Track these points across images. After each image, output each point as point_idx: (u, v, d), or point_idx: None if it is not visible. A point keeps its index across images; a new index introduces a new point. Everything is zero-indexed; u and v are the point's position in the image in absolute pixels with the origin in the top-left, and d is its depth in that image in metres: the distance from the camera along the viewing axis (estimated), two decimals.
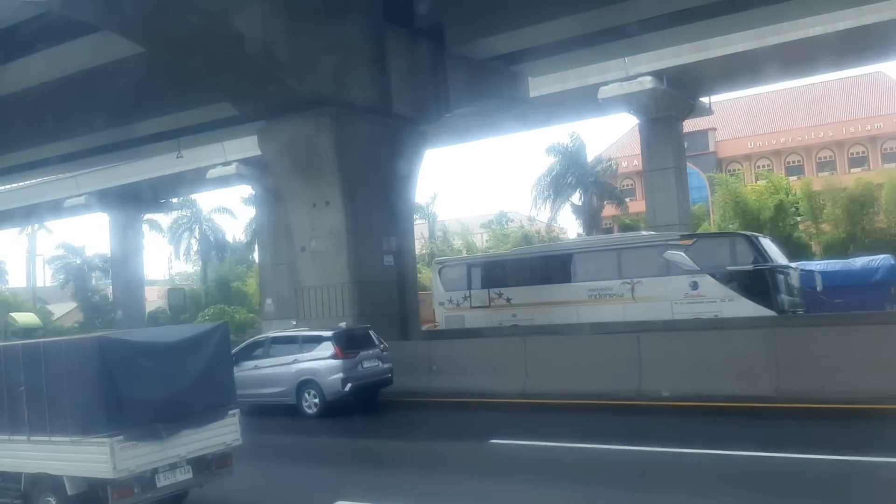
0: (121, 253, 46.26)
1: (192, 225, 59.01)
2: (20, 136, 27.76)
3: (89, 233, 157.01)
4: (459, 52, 18.61)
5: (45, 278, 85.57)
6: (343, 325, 16.65)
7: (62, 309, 62.13)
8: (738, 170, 58.07)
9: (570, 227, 57.92)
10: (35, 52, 20.70)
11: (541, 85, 23.06)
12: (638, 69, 25.94)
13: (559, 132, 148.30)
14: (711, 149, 58.43)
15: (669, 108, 27.63)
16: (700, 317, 20.88)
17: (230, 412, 9.43)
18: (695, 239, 23.30)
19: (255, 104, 16.54)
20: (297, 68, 15.26)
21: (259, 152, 35.61)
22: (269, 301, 38.32)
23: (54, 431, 8.66)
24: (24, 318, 39.67)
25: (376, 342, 15.89)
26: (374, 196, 17.07)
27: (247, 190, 52.99)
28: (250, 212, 55.01)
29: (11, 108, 23.99)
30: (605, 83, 26.32)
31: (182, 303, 29.51)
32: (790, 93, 58.80)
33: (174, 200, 51.19)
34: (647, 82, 25.72)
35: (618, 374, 14.20)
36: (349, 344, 15.33)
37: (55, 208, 46.64)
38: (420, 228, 52.80)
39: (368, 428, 14.25)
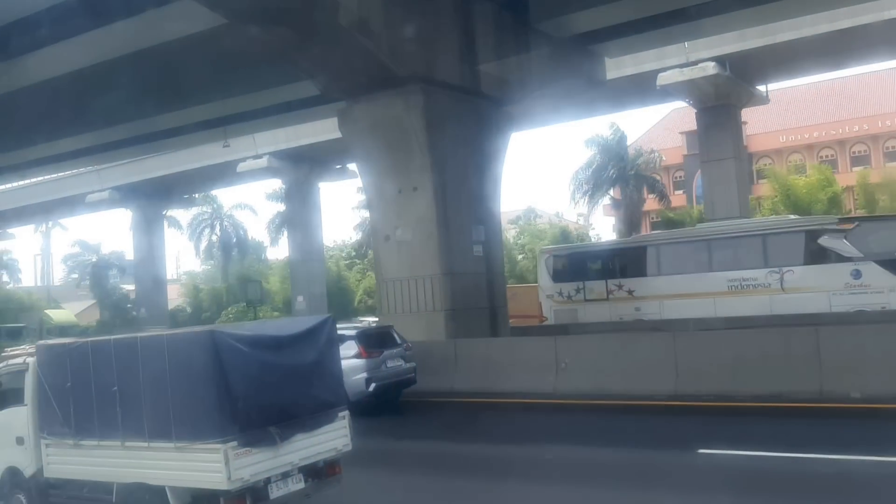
0: (144, 249, 45.65)
1: (212, 221, 58.28)
2: (42, 128, 27.08)
3: (105, 230, 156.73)
4: (542, 29, 17.65)
5: (55, 277, 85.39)
6: (373, 321, 16.02)
7: (76, 308, 61.58)
8: (770, 164, 57.04)
9: (600, 224, 56.98)
10: (62, 40, 19.95)
11: (610, 68, 22.03)
12: (699, 55, 25.01)
13: (595, 124, 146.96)
14: (742, 143, 57.61)
15: (729, 95, 26.72)
16: (864, 309, 19.06)
17: (340, 414, 8.63)
18: (856, 223, 21.51)
19: (340, 82, 15.65)
20: (389, 41, 14.42)
21: (291, 144, 35.78)
22: (300, 299, 37.60)
23: (155, 436, 7.87)
24: (60, 315, 39.01)
25: (399, 341, 15.52)
26: (464, 182, 16.18)
27: (271, 185, 52.49)
28: (273, 207, 54.45)
29: (32, 100, 23.21)
30: (664, 69, 25.37)
31: (259, 296, 28.46)
32: (821, 86, 57.78)
33: (197, 196, 50.50)
34: (710, 68, 24.78)
35: (793, 372, 12.91)
36: (373, 343, 14.99)
37: (76, 204, 46.12)
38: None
39: (479, 433, 13.05)
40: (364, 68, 14.85)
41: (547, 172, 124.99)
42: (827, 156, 57.22)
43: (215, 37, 17.15)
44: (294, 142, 34.90)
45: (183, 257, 64.55)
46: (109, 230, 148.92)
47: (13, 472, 9.30)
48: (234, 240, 58.54)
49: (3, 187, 47.86)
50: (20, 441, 9.16)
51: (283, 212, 51.93)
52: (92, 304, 67.84)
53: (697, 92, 26.03)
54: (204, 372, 7.50)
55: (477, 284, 16.19)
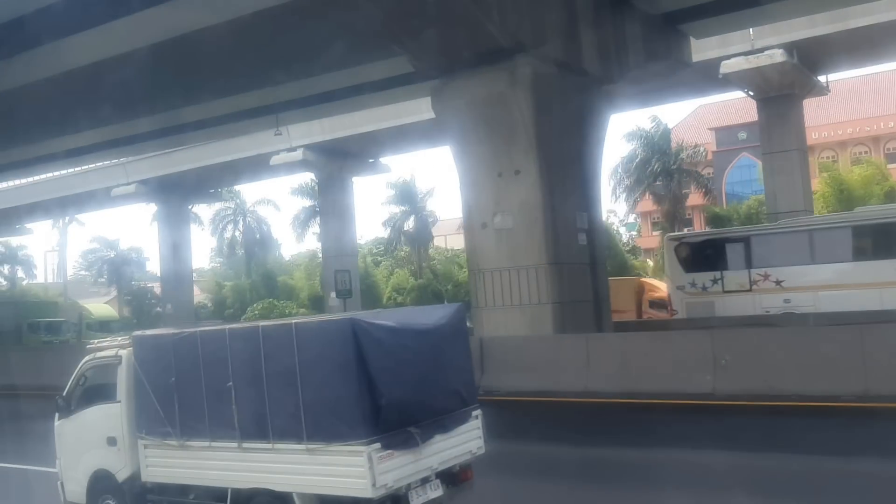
0: (169, 244, 45.00)
1: (235, 217, 57.69)
2: (66, 120, 26.32)
3: (122, 226, 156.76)
4: (636, 4, 16.72)
5: (58, 273, 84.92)
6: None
7: (92, 304, 61.04)
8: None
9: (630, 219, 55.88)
10: (98, 25, 19.18)
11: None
12: (764, 41, 24.09)
13: (630, 119, 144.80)
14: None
15: (793, 85, 25.79)
16: None
17: (474, 413, 7.85)
18: None
19: (439, 57, 14.76)
20: (499, 10, 13.53)
21: (326, 137, 35.03)
22: (333, 295, 36.70)
23: (281, 437, 7.12)
24: (100, 309, 38.36)
25: None
26: (568, 165, 15.27)
27: (297, 180, 51.82)
28: (297, 203, 53.83)
29: (55, 92, 22.43)
30: (727, 57, 24.46)
31: (349, 287, 27.55)
32: (854, 81, 56.82)
33: (223, 190, 49.85)
34: (778, 55, 23.86)
35: None
36: None
37: (101, 198, 45.48)
38: None
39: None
40: (469, 40, 13.96)
41: None
42: (862, 152, 56.25)
43: (262, 21, 16.47)
44: (329, 134, 34.16)
45: (195, 254, 63.46)
46: (127, 226, 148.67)
47: (103, 476, 8.56)
48: (258, 236, 57.88)
49: (22, 181, 47.37)
50: (112, 442, 8.41)
51: (315, 207, 51.38)
52: (110, 299, 67.42)
53: (761, 81, 25.11)
54: (343, 365, 6.73)
55: (582, 276, 15.28)
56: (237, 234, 58.01)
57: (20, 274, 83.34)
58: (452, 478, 7.54)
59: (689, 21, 18.43)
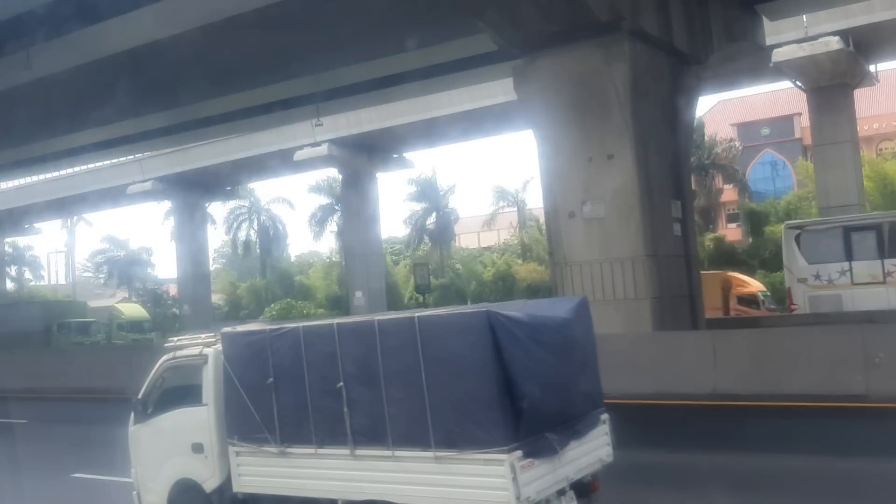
0: (186, 243, 44.47)
1: (250, 215, 57.13)
2: (82, 114, 25.66)
3: (131, 225, 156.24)
4: None
5: (66, 274, 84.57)
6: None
7: (123, 304, 60.51)
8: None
9: None
10: (119, 14, 18.58)
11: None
12: (818, 28, 23.38)
13: None
14: (797, 135, 55.82)
15: (845, 74, 25.09)
16: None
17: (602, 417, 7.24)
18: None
19: (527, 31, 14.04)
20: None
21: (352, 131, 34.43)
22: (358, 294, 36.27)
23: (403, 443, 6.51)
24: (131, 309, 37.75)
25: None
26: (661, 149, 14.52)
27: (314, 176, 51.27)
28: (314, 200, 53.28)
29: (81, 81, 21.77)
30: (777, 45, 23.75)
31: (427, 281, 26.79)
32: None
33: (240, 188, 49.24)
34: (833, 43, 23.15)
35: None
36: None
37: (117, 195, 44.95)
38: (508, 217, 50.58)
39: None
40: (562, 13, 13.22)
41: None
42: (885, 148, 55.49)
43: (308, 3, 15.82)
44: (356, 128, 33.59)
45: (230, 251, 62.79)
46: (136, 225, 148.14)
47: (187, 486, 7.94)
48: (272, 234, 57.35)
49: (32, 180, 46.89)
50: (198, 448, 7.80)
51: (334, 204, 50.87)
52: (119, 300, 66.94)
53: (814, 70, 24.41)
54: (478, 362, 6.10)
55: (678, 269, 14.57)
56: (252, 232, 57.39)
57: (27, 275, 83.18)
58: (584, 489, 6.92)
59: (765, 1, 17.70)
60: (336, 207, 52.57)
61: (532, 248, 42.69)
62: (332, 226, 52.52)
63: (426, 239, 49.93)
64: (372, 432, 6.66)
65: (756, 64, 23.91)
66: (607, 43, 13.42)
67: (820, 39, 23.35)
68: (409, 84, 22.07)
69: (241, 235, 57.76)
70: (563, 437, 6.49)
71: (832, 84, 25.17)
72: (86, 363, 21.95)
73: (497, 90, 28.17)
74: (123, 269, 69.80)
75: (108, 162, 42.66)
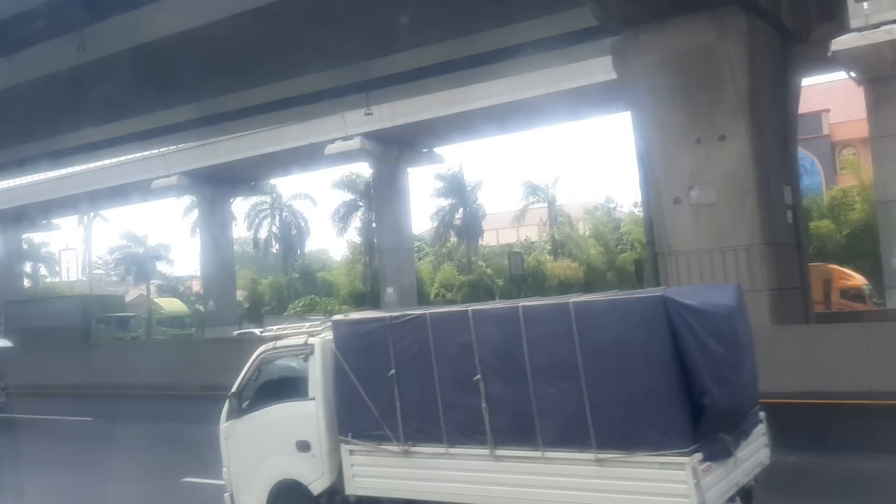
0: (211, 239, 43.87)
1: (272, 211, 56.61)
2: (105, 107, 25.06)
3: (146, 222, 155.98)
4: None
5: (76, 271, 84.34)
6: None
7: (163, 299, 60.03)
8: (855, 154, 54.30)
9: None
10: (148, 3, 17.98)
11: None
12: (881, 16, 22.54)
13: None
14: (825, 132, 54.89)
15: None
16: None
17: (760, 414, 6.59)
18: None
19: (630, 4, 13.27)
20: None
21: (386, 125, 33.78)
22: (389, 290, 35.66)
23: (555, 443, 5.90)
24: (170, 304, 37.22)
25: None
26: (774, 131, 13.75)
27: (338, 172, 50.62)
28: (338, 197, 52.67)
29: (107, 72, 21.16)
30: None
31: (521, 271, 26.08)
32: None
33: (263, 183, 48.67)
34: None
35: None
36: None
37: (140, 191, 44.45)
38: (538, 213, 49.87)
39: None
40: None
41: (612, 161, 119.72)
42: None
43: None
44: (389, 121, 32.90)
45: (251, 249, 62.28)
46: (154, 221, 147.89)
47: (290, 487, 7.34)
48: (295, 231, 56.83)
49: (52, 175, 46.39)
50: (303, 446, 7.19)
51: (357, 200, 50.32)
52: (135, 297, 66.54)
53: (874, 60, 23.49)
54: (653, 354, 5.49)
55: (791, 259, 13.82)
56: (273, 229, 56.88)
57: (42, 271, 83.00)
58: (747, 495, 6.28)
59: None
60: (360, 203, 52.01)
61: (565, 244, 41.97)
62: (356, 222, 51.87)
63: (452, 235, 49.26)
64: (516, 430, 6.05)
65: (810, 54, 23.09)
66: (721, 15, 12.65)
67: (882, 28, 22.54)
68: (451, 74, 21.20)
69: (263, 232, 57.15)
70: (735, 437, 5.86)
71: (891, 74, 24.32)
72: (136, 358, 21.39)
73: (537, 81, 27.68)
74: (141, 266, 69.51)
75: (132, 156, 42.19)
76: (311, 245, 62.97)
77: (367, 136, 34.34)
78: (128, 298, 66.54)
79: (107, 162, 43.19)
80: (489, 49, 18.08)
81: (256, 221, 57.24)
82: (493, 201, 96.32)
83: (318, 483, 7.13)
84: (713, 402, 5.42)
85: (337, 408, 7.05)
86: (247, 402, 7.74)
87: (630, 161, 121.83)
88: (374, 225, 44.78)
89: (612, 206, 54.75)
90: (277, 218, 57.19)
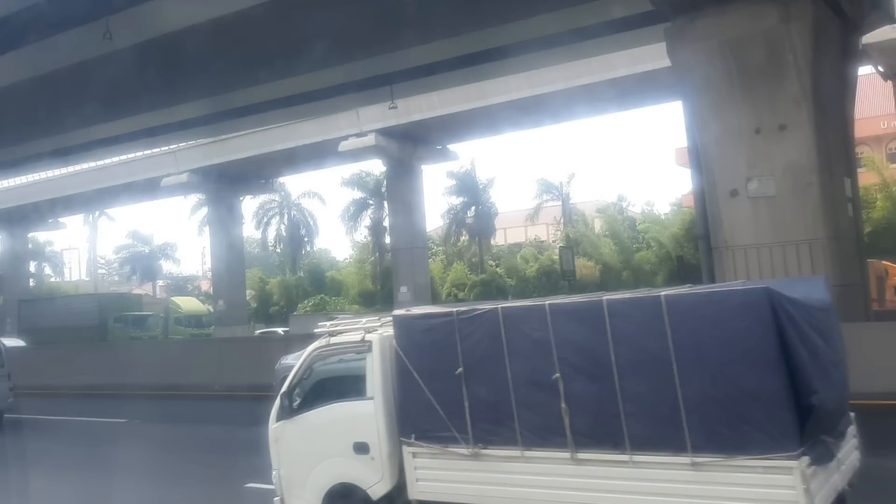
0: (221, 238, 43.51)
1: (281, 210, 56.30)
2: (112, 103, 24.65)
3: (153, 220, 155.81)
4: None
5: (78, 270, 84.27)
6: (328, 323, 15.50)
7: (181, 298, 59.69)
8: (865, 153, 53.70)
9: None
10: None
11: None
12: None
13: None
14: None
15: None
16: None
17: (851, 415, 6.25)
18: None
19: None
20: None
21: (401, 120, 33.41)
22: (403, 289, 35.25)
23: (645, 446, 5.57)
24: (188, 303, 36.79)
25: None
26: (835, 121, 13.33)
27: (348, 170, 50.32)
28: (347, 195, 52.39)
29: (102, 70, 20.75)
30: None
31: (572, 266, 25.64)
32: None
33: (273, 181, 48.28)
34: None
35: None
36: None
37: (149, 188, 44.13)
38: (552, 211, 49.50)
39: None
40: None
41: (621, 159, 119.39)
42: None
43: None
44: (405, 117, 32.50)
45: (259, 248, 61.93)
46: (160, 220, 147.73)
47: (346, 491, 7.02)
48: (304, 230, 56.53)
49: (58, 172, 46.07)
50: (361, 448, 6.86)
51: (367, 199, 50.07)
52: (143, 296, 66.25)
53: None
54: (757, 351, 5.17)
55: (852, 254, 13.43)
56: (282, 228, 56.58)
57: (47, 271, 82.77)
58: (842, 500, 5.93)
59: None
60: (370, 202, 51.75)
61: (579, 243, 41.58)
62: (366, 221, 51.61)
63: (464, 234, 48.89)
64: (600, 432, 5.72)
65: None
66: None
67: None
68: (479, 66, 20.74)
69: (271, 231, 56.88)
70: (836, 439, 5.53)
71: None
72: (157, 358, 21.08)
73: (556, 75, 27.35)
74: (147, 265, 69.31)
75: (140, 153, 41.86)
76: (319, 245, 62.77)
77: (382, 132, 33.97)
78: None
79: (115, 159, 42.95)
80: (528, 38, 17.60)
81: (265, 220, 56.93)
82: (502, 199, 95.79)
83: (377, 487, 6.80)
84: (821, 402, 5.08)
85: (398, 408, 6.73)
86: (298, 402, 7.42)
87: (642, 158, 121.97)
88: (384, 224, 44.49)
89: (624, 204, 54.41)
90: (286, 217, 56.87)
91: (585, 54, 22.60)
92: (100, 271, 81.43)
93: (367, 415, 6.85)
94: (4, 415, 16.82)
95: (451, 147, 39.13)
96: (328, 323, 7.53)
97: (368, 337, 6.98)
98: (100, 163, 43.23)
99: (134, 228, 75.35)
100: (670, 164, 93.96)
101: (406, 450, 6.64)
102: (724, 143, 12.81)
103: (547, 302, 6.06)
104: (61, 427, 15.26)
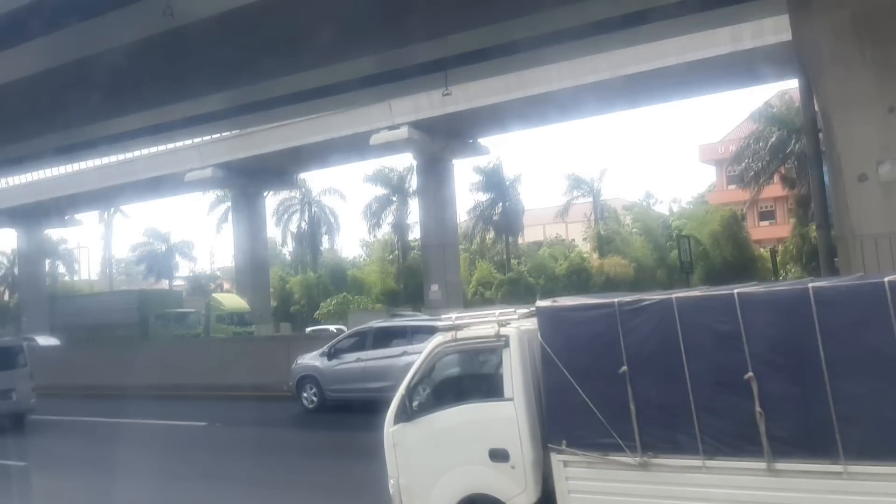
0: (245, 235, 42.96)
1: (301, 207, 55.73)
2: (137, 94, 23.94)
3: (168, 217, 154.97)
4: None
5: (87, 269, 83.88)
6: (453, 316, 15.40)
7: (222, 294, 59.06)
8: None
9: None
10: None
11: None
12: None
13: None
14: None
15: None
16: None
17: None
18: None
19: None
20: None
21: (435, 112, 32.69)
22: (434, 287, 34.60)
23: (863, 455, 4.87)
24: (230, 300, 36.04)
25: None
26: None
27: (371, 166, 49.72)
28: (370, 191, 51.84)
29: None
30: None
31: (690, 258, 24.93)
32: None
33: (297, 177, 47.69)
34: None
35: None
36: None
37: (171, 184, 43.60)
38: (583, 208, 48.80)
39: None
40: None
41: (646, 156, 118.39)
42: None
43: None
44: (439, 109, 31.78)
45: (279, 246, 61.21)
46: (176, 217, 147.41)
47: (481, 503, 6.33)
48: (325, 227, 55.98)
49: (77, 168, 45.50)
50: (500, 455, 6.20)
51: (391, 196, 49.49)
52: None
53: None
54: None
55: None
56: (303, 224, 56.01)
57: (61, 269, 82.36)
58: None
59: None
60: (393, 199, 51.12)
61: (611, 240, 40.88)
62: (390, 217, 51.01)
63: (491, 231, 48.19)
64: (805, 439, 5.05)
65: None
66: None
67: None
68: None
69: (292, 228, 56.34)
70: None
71: None
72: (208, 357, 20.43)
73: (602, 64, 26.65)
74: (164, 263, 68.85)
75: (163, 147, 41.27)
76: (339, 243, 62.31)
77: (415, 125, 33.32)
78: None
79: (136, 154, 42.40)
80: (579, 24, 16.86)
81: (285, 217, 56.36)
82: (534, 195, 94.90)
83: (519, 499, 6.13)
84: None
85: (546, 410, 6.06)
86: (419, 403, 6.77)
87: (665, 155, 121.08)
88: (407, 221, 43.79)
89: (651, 201, 53.70)
90: (306, 214, 56.28)
91: (641, 40, 21.75)
92: (106, 270, 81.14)
93: (506, 418, 6.18)
94: (28, 415, 16.50)
95: (482, 141, 38.49)
96: (452, 315, 6.86)
97: (504, 331, 6.32)
98: (121, 157, 42.67)
99: (151, 226, 74.31)
100: (693, 161, 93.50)
101: (555, 458, 5.97)
102: (851, 124, 12.06)
103: (735, 290, 5.37)
104: (137, 430, 14.38)
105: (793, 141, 34.01)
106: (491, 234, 48.81)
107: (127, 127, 29.27)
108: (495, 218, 46.77)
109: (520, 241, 50.85)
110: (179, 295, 45.71)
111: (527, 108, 30.64)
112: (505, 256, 47.92)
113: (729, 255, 34.96)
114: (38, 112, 25.46)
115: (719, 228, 35.63)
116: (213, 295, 36.37)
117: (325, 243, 58.00)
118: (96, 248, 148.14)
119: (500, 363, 6.30)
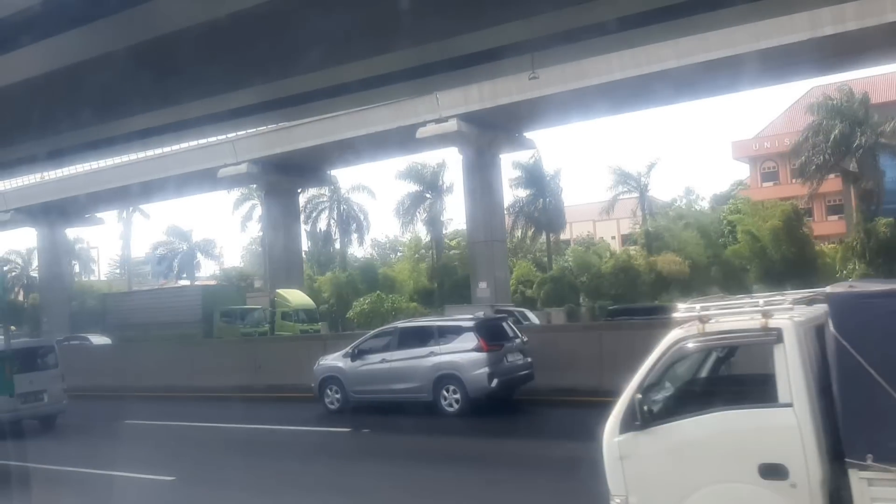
0: (278, 232, 42.18)
1: (331, 204, 54.91)
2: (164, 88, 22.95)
3: (188, 216, 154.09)
4: None
5: (98, 270, 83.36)
6: (481, 314, 16.98)
7: (287, 290, 58.06)
8: None
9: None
10: None
11: None
12: None
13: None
14: None
15: None
16: None
17: None
18: None
19: None
20: None
21: (485, 104, 31.58)
22: (482, 285, 33.65)
23: None
24: (296, 296, 35.06)
25: (512, 334, 15.54)
26: None
27: (403, 162, 48.77)
28: (403, 188, 50.98)
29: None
30: None
31: None
32: None
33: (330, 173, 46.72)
34: None
35: None
36: (493, 335, 14.85)
37: (203, 181, 42.82)
38: (628, 204, 47.73)
39: None
40: None
41: (679, 152, 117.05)
42: None
43: None
44: (490, 101, 30.85)
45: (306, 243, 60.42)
46: (195, 215, 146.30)
47: None
48: (354, 224, 55.15)
49: (101, 164, 44.58)
50: (775, 472, 5.25)
51: (424, 192, 48.63)
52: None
53: None
54: None
55: None
56: (332, 222, 55.23)
57: (77, 269, 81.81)
58: None
59: None
60: (426, 195, 50.21)
61: (660, 236, 39.78)
62: (423, 214, 50.11)
63: (531, 228, 47.16)
64: None
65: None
66: None
67: None
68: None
69: (321, 226, 55.53)
70: None
71: None
72: (292, 356, 19.41)
73: (667, 52, 25.61)
74: (186, 262, 68.21)
75: (195, 143, 40.39)
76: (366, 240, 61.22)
77: (464, 117, 32.37)
78: None
79: (166, 149, 41.48)
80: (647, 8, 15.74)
81: (314, 215, 55.53)
82: (576, 190, 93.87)
83: None
84: None
85: (843, 418, 5.09)
86: (656, 408, 5.80)
87: (699, 150, 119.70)
88: (441, 218, 42.68)
89: (692, 197, 52.61)
90: (335, 211, 55.45)
91: (718, 26, 20.70)
92: (116, 271, 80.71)
93: (783, 427, 5.23)
94: (59, 417, 16.31)
95: (528, 135, 37.54)
96: (697, 305, 5.87)
97: (775, 323, 5.34)
98: (150, 153, 41.77)
99: (172, 224, 73.53)
100: (724, 158, 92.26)
101: (856, 475, 5.02)
102: None
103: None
104: (287, 439, 13.61)
105: (857, 133, 32.94)
106: (531, 231, 47.73)
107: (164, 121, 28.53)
108: (536, 214, 45.73)
109: (561, 237, 49.79)
110: (242, 291, 44.63)
111: (584, 99, 29.61)
112: (547, 254, 46.86)
113: (788, 252, 33.85)
114: (73, 104, 24.72)
115: (779, 223, 34.50)
116: (278, 291, 35.28)
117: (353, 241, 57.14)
118: (106, 248, 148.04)
119: (771, 362, 5.34)
